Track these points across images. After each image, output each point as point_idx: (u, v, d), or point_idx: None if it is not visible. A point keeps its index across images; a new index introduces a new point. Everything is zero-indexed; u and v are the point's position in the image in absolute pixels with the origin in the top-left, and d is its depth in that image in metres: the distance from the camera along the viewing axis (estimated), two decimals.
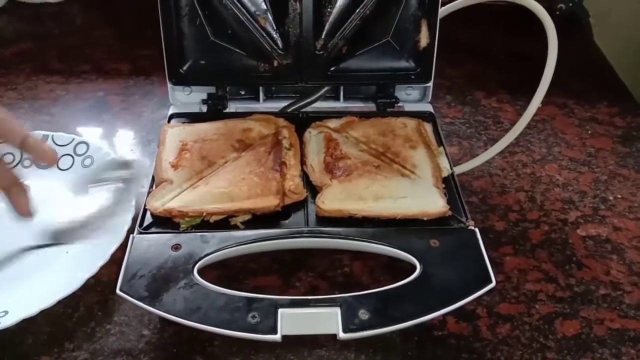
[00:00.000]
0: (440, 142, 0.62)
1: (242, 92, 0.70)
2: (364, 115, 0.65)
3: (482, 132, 0.75)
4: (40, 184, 0.63)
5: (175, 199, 0.54)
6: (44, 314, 0.48)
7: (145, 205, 0.54)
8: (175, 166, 0.57)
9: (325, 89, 0.68)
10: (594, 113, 0.79)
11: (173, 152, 0.59)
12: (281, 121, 0.63)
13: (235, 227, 0.52)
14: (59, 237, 0.56)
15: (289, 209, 0.54)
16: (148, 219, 0.53)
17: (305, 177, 0.58)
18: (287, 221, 0.53)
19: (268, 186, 0.54)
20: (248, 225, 0.53)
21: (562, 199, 0.65)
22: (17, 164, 0.64)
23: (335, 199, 0.54)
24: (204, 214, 0.52)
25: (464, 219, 0.53)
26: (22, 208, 0.51)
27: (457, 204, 0.55)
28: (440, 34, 0.65)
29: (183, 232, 0.52)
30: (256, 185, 0.54)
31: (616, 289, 0.55)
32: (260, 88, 0.69)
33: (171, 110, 0.67)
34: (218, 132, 0.61)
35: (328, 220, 0.53)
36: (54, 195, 0.62)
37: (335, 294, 0.47)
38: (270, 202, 0.53)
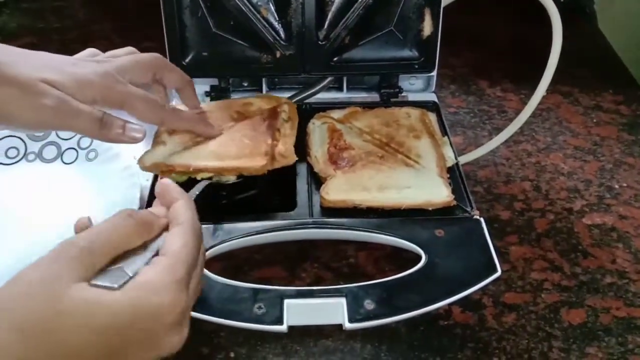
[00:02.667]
0: (444, 132, 0.62)
1: (245, 84, 0.69)
2: (367, 106, 0.65)
3: (486, 122, 0.74)
4: (45, 178, 0.63)
5: (166, 157, 0.53)
6: None
7: (149, 199, 0.54)
8: (171, 133, 0.56)
9: (329, 79, 0.68)
10: (599, 101, 0.79)
11: None
12: (284, 99, 0.63)
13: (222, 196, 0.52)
14: None
15: (294, 200, 0.54)
16: None
17: (309, 167, 0.57)
18: (291, 212, 0.53)
19: (257, 147, 0.53)
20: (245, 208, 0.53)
21: (567, 188, 0.65)
22: (22, 158, 0.65)
23: (339, 189, 0.54)
24: (191, 169, 0.52)
25: (469, 209, 0.53)
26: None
27: (461, 194, 0.55)
28: (443, 23, 0.64)
29: None
30: (245, 146, 0.54)
31: (622, 278, 0.55)
32: (263, 79, 0.68)
33: (174, 103, 0.67)
34: (218, 104, 0.61)
35: (332, 211, 0.53)
36: (60, 189, 0.62)
37: (341, 285, 0.47)
38: (257, 162, 0.52)
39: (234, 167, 0.52)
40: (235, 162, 0.52)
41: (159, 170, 0.53)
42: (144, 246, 0.34)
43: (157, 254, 0.34)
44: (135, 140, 0.49)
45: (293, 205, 0.54)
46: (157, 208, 0.38)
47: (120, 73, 0.48)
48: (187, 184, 0.52)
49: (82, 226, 0.37)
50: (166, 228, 0.36)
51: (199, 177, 0.52)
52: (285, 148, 0.54)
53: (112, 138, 0.48)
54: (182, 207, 0.37)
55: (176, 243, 0.34)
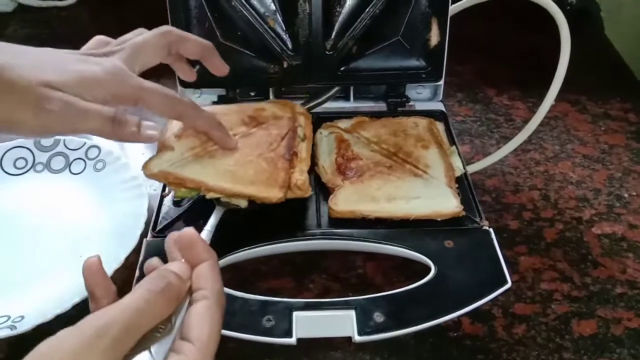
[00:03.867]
0: (452, 141, 0.62)
1: (252, 94, 0.69)
2: (374, 115, 0.65)
3: (494, 130, 0.74)
4: (53, 188, 0.63)
5: (175, 165, 0.50)
6: (59, 318, 0.48)
7: (158, 209, 0.54)
8: (179, 137, 0.52)
9: (335, 89, 0.68)
10: (607, 109, 0.78)
11: (180, 125, 0.54)
12: (298, 107, 0.60)
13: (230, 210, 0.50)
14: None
15: (301, 212, 0.54)
16: (161, 223, 0.53)
17: (316, 178, 0.57)
18: (299, 223, 0.53)
19: (275, 176, 0.51)
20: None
21: (576, 197, 0.64)
22: (30, 168, 0.65)
23: (347, 200, 0.54)
24: (203, 188, 0.49)
25: (478, 219, 0.53)
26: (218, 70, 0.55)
27: (470, 204, 0.54)
28: (450, 31, 0.64)
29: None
30: (263, 171, 0.51)
31: (633, 288, 0.54)
32: (270, 89, 0.68)
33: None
34: (230, 109, 0.58)
35: (341, 222, 0.53)
36: (68, 199, 0.62)
37: (350, 296, 0.47)
38: (273, 193, 0.49)
39: (249, 195, 0.49)
40: (250, 189, 0.49)
41: (167, 181, 0.49)
42: (168, 318, 0.33)
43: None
44: (151, 140, 0.46)
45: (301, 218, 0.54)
46: (179, 265, 0.35)
47: (130, 63, 0.46)
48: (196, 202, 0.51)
49: (91, 267, 0.34)
50: (189, 291, 0.34)
51: (208, 195, 0.50)
52: (302, 181, 0.51)
53: (127, 137, 0.44)
54: (209, 273, 0.34)
55: (204, 328, 0.32)
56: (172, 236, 0.37)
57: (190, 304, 0.33)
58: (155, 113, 0.47)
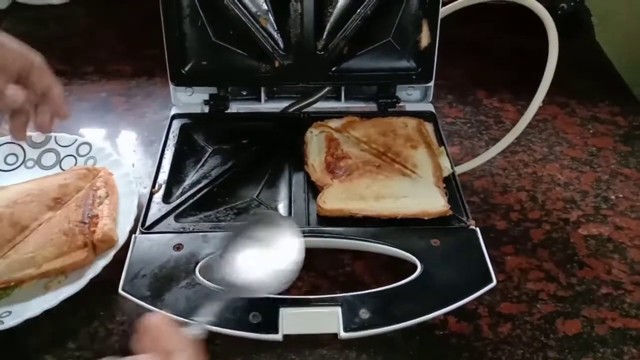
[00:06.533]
0: (441, 142, 0.62)
1: (244, 93, 0.70)
2: (365, 115, 0.66)
3: (483, 132, 0.75)
4: None
5: None
6: (47, 314, 0.48)
7: (147, 206, 0.54)
8: None
9: (327, 89, 0.68)
10: (596, 112, 0.79)
11: None
12: (100, 169, 0.61)
13: None
14: None
15: (290, 210, 0.55)
16: (150, 219, 0.53)
17: (306, 176, 0.58)
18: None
19: (75, 241, 0.52)
20: None
21: (563, 199, 0.65)
22: (21, 164, 0.65)
23: (336, 198, 0.54)
24: (12, 284, 0.51)
25: (464, 219, 0.53)
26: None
27: (458, 204, 0.55)
28: (441, 34, 0.65)
29: (185, 232, 0.52)
30: (63, 243, 0.52)
31: (618, 288, 0.55)
32: (262, 88, 0.69)
33: (173, 111, 0.68)
34: (31, 193, 0.57)
35: (329, 220, 0.53)
36: None
37: (336, 293, 0.48)
38: (77, 256, 0.51)
39: (56, 269, 0.51)
40: (56, 264, 0.51)
41: None
42: None
43: None
44: None
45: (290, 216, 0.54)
46: None
47: None
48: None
49: None
50: None
51: (23, 286, 0.51)
52: (103, 233, 0.53)
53: None
54: None
55: None
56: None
57: None
58: None
